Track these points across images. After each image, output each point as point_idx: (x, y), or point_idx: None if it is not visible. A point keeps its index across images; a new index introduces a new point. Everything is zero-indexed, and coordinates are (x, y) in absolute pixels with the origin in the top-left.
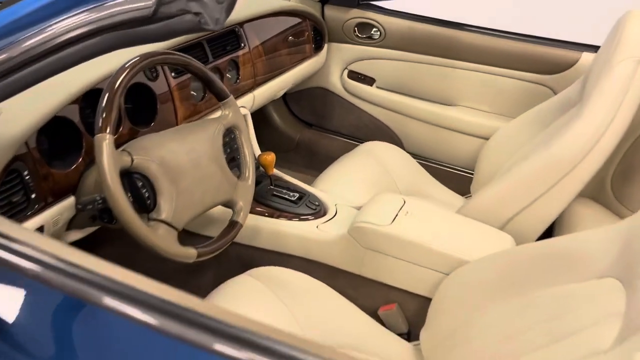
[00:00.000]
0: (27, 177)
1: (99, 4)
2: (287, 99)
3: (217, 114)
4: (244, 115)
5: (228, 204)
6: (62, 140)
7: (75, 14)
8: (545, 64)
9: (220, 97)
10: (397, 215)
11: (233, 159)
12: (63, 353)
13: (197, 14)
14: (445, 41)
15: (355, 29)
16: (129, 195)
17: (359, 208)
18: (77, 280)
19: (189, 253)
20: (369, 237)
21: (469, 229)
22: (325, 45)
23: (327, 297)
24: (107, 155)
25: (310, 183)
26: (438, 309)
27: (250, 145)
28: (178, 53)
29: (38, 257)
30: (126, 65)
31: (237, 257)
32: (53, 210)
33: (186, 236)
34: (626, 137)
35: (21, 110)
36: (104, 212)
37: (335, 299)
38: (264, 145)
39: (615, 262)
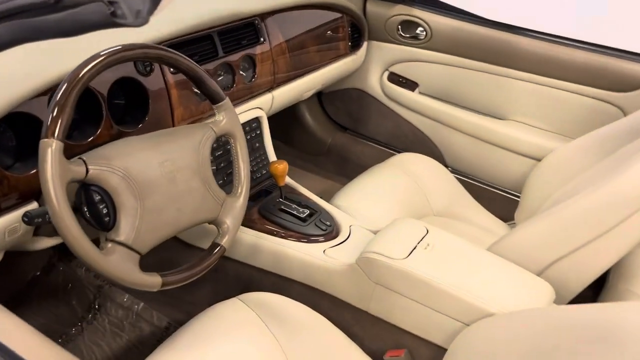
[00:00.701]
0: None
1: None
2: (322, 98)
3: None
4: (259, 118)
5: (213, 224)
6: (28, 140)
7: None
8: (615, 79)
9: (214, 99)
10: (415, 248)
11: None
12: None
13: (110, 2)
14: (500, 46)
15: (399, 27)
16: (86, 210)
17: (376, 232)
18: None
19: (152, 282)
20: (379, 270)
21: (500, 272)
22: (365, 44)
23: (326, 333)
24: (51, 164)
25: (336, 191)
26: None
27: (247, 156)
28: (159, 46)
29: None
30: (89, 59)
31: (235, 276)
32: (8, 217)
33: (180, 246)
34: None
35: None
36: None
37: (336, 336)
38: (293, 147)
39: None
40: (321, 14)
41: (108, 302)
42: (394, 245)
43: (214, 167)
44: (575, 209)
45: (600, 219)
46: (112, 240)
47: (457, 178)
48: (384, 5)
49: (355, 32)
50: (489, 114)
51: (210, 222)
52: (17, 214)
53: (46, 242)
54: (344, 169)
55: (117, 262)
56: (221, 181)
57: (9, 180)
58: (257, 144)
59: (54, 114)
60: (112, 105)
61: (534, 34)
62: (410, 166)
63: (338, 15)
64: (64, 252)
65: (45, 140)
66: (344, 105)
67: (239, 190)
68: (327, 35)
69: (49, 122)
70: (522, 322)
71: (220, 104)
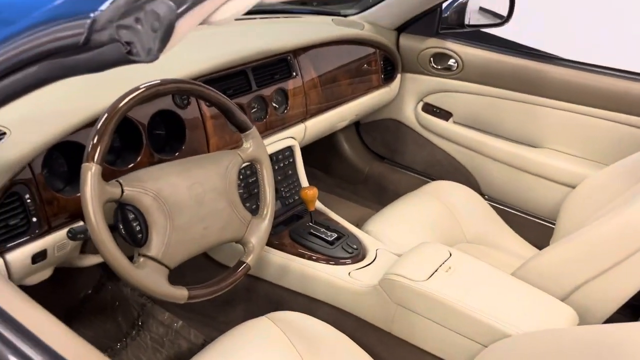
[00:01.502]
0: (28, 201)
1: (33, 31)
2: (360, 129)
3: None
4: (291, 147)
5: (239, 243)
6: (77, 166)
7: (10, 42)
8: None
9: (241, 128)
10: (436, 270)
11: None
12: None
13: (128, 43)
14: (531, 75)
15: (431, 59)
16: (121, 227)
17: (401, 256)
18: None
19: (179, 294)
20: (400, 292)
21: (521, 296)
22: (399, 76)
23: (350, 352)
24: (91, 185)
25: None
26: None
27: (272, 180)
28: (192, 81)
29: None
30: (127, 93)
31: (266, 296)
32: (58, 234)
33: (214, 266)
34: None
35: (26, 133)
36: None
37: (359, 356)
38: (332, 176)
39: None
40: (354, 49)
41: (150, 319)
42: (416, 267)
43: (247, 194)
44: (600, 233)
45: (624, 243)
46: (144, 255)
47: (492, 206)
48: (416, 39)
49: (389, 65)
50: (522, 142)
51: (236, 242)
52: (65, 231)
53: (91, 260)
54: (381, 197)
55: (148, 275)
56: (254, 206)
57: (59, 201)
58: (290, 172)
59: (94, 141)
60: (152, 135)
61: (564, 62)
62: (444, 193)
63: (371, 50)
64: (112, 272)
65: (86, 164)
66: (381, 135)
67: (265, 212)
68: (360, 69)
69: (89, 149)
70: (536, 343)
71: (247, 132)
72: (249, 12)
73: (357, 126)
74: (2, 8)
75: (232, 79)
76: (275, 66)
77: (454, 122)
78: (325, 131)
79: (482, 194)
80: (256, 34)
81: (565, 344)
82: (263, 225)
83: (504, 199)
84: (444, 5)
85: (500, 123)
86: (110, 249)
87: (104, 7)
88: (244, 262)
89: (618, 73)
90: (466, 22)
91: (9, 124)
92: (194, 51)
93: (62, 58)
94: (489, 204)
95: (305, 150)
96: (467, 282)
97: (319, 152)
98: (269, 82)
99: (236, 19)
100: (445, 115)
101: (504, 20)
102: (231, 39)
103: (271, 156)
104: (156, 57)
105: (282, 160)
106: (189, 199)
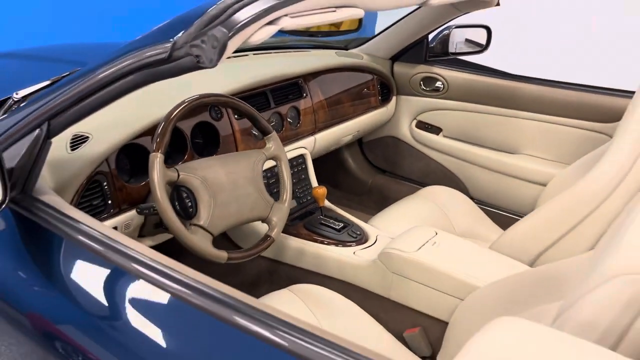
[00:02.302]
0: (105, 187)
1: (134, 52)
2: (363, 146)
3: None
4: (303, 155)
5: (265, 221)
6: (138, 163)
7: (118, 61)
8: (603, 112)
9: (265, 132)
10: (424, 244)
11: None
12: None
13: (197, 56)
14: (505, 92)
15: (421, 82)
16: (176, 204)
17: None
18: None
19: (221, 255)
20: (395, 262)
21: (493, 260)
22: (394, 98)
23: (357, 317)
24: (157, 170)
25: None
26: (451, 334)
27: (289, 173)
28: (227, 96)
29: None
30: (180, 103)
31: (286, 276)
32: (125, 215)
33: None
34: None
35: (103, 136)
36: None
37: (365, 319)
38: (340, 189)
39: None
40: (354, 76)
41: None
42: (408, 242)
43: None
44: (556, 206)
45: (574, 212)
46: (194, 224)
47: (479, 206)
48: (407, 66)
49: (385, 89)
50: (502, 150)
51: (262, 220)
52: (130, 214)
53: (145, 242)
54: (384, 205)
55: (198, 239)
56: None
57: (126, 189)
58: (303, 176)
59: (159, 138)
60: (194, 143)
61: (533, 80)
62: (437, 196)
63: (369, 77)
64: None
65: (153, 154)
66: (381, 151)
67: (284, 197)
68: (360, 92)
69: (155, 143)
70: (500, 286)
71: (269, 136)
72: (266, 48)
73: (360, 144)
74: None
75: (254, 98)
76: (289, 89)
77: (444, 136)
78: (332, 144)
79: (470, 197)
80: (273, 63)
81: (523, 282)
82: (283, 207)
83: (489, 199)
84: (430, 36)
85: (483, 134)
86: (172, 217)
87: (180, 34)
88: (269, 236)
89: (573, 86)
90: (450, 50)
91: (91, 130)
92: (227, 77)
93: (152, 69)
94: (477, 205)
95: (315, 167)
96: (449, 252)
97: (328, 169)
98: (285, 101)
99: (255, 54)
100: (436, 130)
101: (482, 49)
102: (254, 68)
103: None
104: (216, 65)
105: (296, 166)
106: (227, 183)
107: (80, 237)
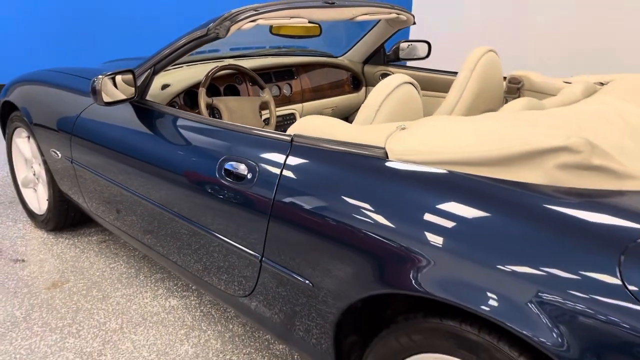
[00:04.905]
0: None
1: (190, 34)
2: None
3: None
4: (294, 113)
5: None
6: (194, 99)
7: (183, 38)
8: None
9: (261, 87)
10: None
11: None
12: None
13: (217, 33)
14: (435, 82)
15: (380, 77)
16: (210, 116)
17: None
18: None
19: None
20: None
21: None
22: (364, 88)
23: None
24: (202, 95)
25: None
26: None
27: (275, 111)
28: (241, 66)
29: None
30: (212, 67)
31: None
32: None
33: None
34: None
35: (177, 84)
36: None
37: None
38: None
39: None
40: (334, 71)
41: None
42: None
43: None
44: None
45: None
46: None
47: None
48: (373, 67)
49: (356, 81)
50: None
51: None
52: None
53: None
54: None
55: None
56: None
57: (187, 110)
58: None
59: (203, 81)
60: (225, 94)
61: (446, 72)
62: None
63: (346, 73)
64: None
65: (201, 88)
66: None
67: (271, 122)
68: (337, 82)
69: (202, 83)
70: None
71: (264, 89)
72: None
73: None
74: None
75: (263, 75)
76: (285, 73)
77: None
78: (316, 112)
79: None
80: (278, 58)
81: None
82: (271, 128)
83: None
84: (388, 47)
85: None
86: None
87: (210, 25)
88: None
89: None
90: (400, 56)
91: (170, 81)
92: (252, 62)
93: (198, 40)
94: None
95: None
96: None
97: None
98: (282, 80)
99: (270, 53)
100: None
101: (424, 57)
102: (266, 60)
103: (281, 117)
104: (225, 37)
105: (287, 120)
106: (237, 109)
107: (167, 111)
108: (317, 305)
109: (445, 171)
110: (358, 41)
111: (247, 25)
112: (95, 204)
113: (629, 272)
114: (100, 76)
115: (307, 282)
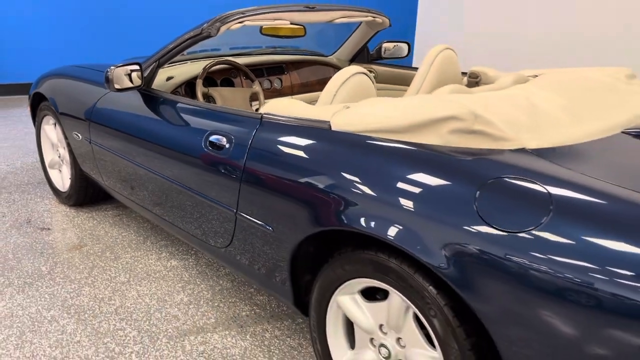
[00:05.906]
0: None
1: (187, 33)
2: None
3: (251, 87)
4: None
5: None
6: (194, 89)
7: (180, 38)
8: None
9: (252, 80)
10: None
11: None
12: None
13: (209, 32)
14: (404, 77)
15: None
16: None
17: None
18: None
19: None
20: None
21: None
22: None
23: None
24: (198, 85)
25: None
26: None
27: (264, 101)
28: (234, 61)
29: None
30: (208, 63)
31: None
32: None
33: None
34: None
35: (179, 77)
36: None
37: None
38: None
39: None
40: (322, 68)
41: None
42: None
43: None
44: None
45: None
46: None
47: None
48: (357, 64)
49: None
50: None
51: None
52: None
53: None
54: None
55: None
56: None
57: (189, 97)
58: None
59: (200, 74)
60: (221, 86)
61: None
62: None
63: (333, 70)
64: None
65: (198, 80)
66: None
67: (259, 108)
68: (323, 78)
69: (199, 75)
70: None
71: (254, 82)
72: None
73: None
74: None
75: (256, 70)
76: (277, 69)
77: None
78: None
79: None
80: (271, 56)
81: None
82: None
83: None
84: (371, 46)
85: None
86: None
87: (204, 25)
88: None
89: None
90: (384, 55)
91: (174, 74)
92: (248, 59)
93: (193, 38)
94: None
95: None
96: None
97: None
98: (273, 75)
99: (265, 52)
100: None
101: (405, 56)
102: (261, 57)
103: None
104: (215, 36)
105: None
106: (231, 99)
107: (168, 97)
108: (276, 245)
109: (371, 137)
110: (344, 42)
111: (235, 25)
112: (112, 181)
113: (481, 203)
114: (112, 67)
115: (269, 228)
